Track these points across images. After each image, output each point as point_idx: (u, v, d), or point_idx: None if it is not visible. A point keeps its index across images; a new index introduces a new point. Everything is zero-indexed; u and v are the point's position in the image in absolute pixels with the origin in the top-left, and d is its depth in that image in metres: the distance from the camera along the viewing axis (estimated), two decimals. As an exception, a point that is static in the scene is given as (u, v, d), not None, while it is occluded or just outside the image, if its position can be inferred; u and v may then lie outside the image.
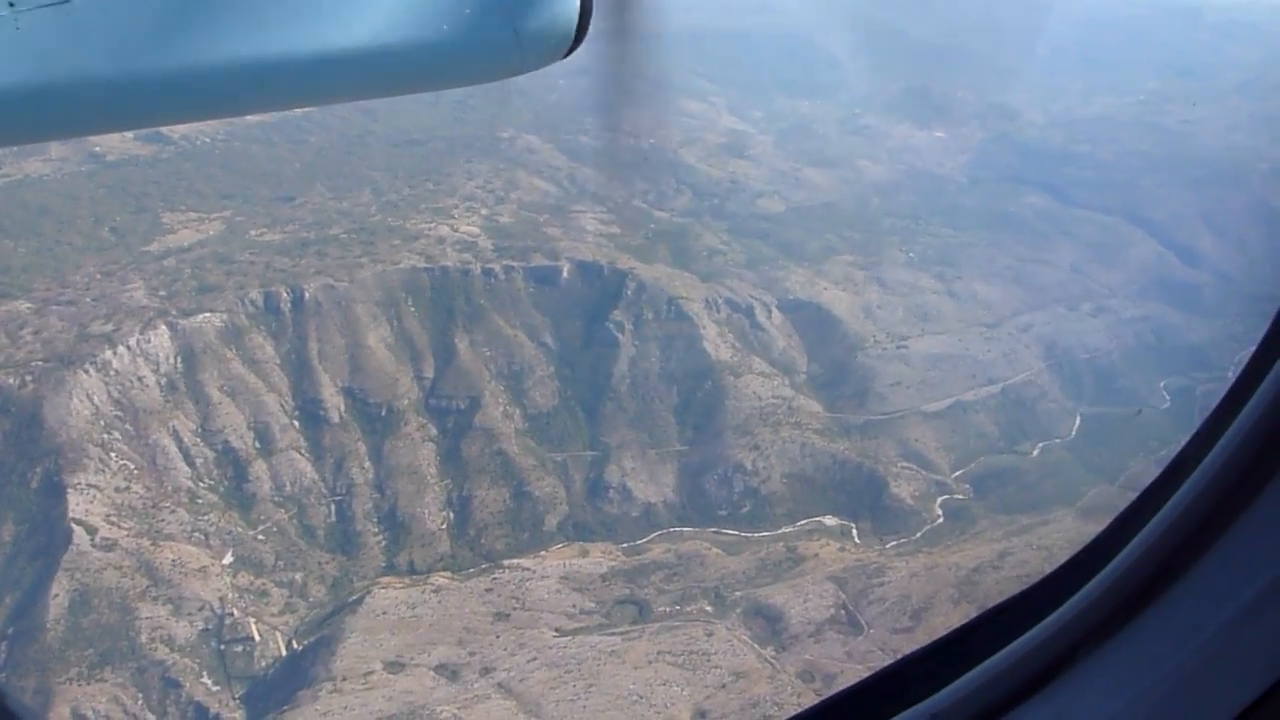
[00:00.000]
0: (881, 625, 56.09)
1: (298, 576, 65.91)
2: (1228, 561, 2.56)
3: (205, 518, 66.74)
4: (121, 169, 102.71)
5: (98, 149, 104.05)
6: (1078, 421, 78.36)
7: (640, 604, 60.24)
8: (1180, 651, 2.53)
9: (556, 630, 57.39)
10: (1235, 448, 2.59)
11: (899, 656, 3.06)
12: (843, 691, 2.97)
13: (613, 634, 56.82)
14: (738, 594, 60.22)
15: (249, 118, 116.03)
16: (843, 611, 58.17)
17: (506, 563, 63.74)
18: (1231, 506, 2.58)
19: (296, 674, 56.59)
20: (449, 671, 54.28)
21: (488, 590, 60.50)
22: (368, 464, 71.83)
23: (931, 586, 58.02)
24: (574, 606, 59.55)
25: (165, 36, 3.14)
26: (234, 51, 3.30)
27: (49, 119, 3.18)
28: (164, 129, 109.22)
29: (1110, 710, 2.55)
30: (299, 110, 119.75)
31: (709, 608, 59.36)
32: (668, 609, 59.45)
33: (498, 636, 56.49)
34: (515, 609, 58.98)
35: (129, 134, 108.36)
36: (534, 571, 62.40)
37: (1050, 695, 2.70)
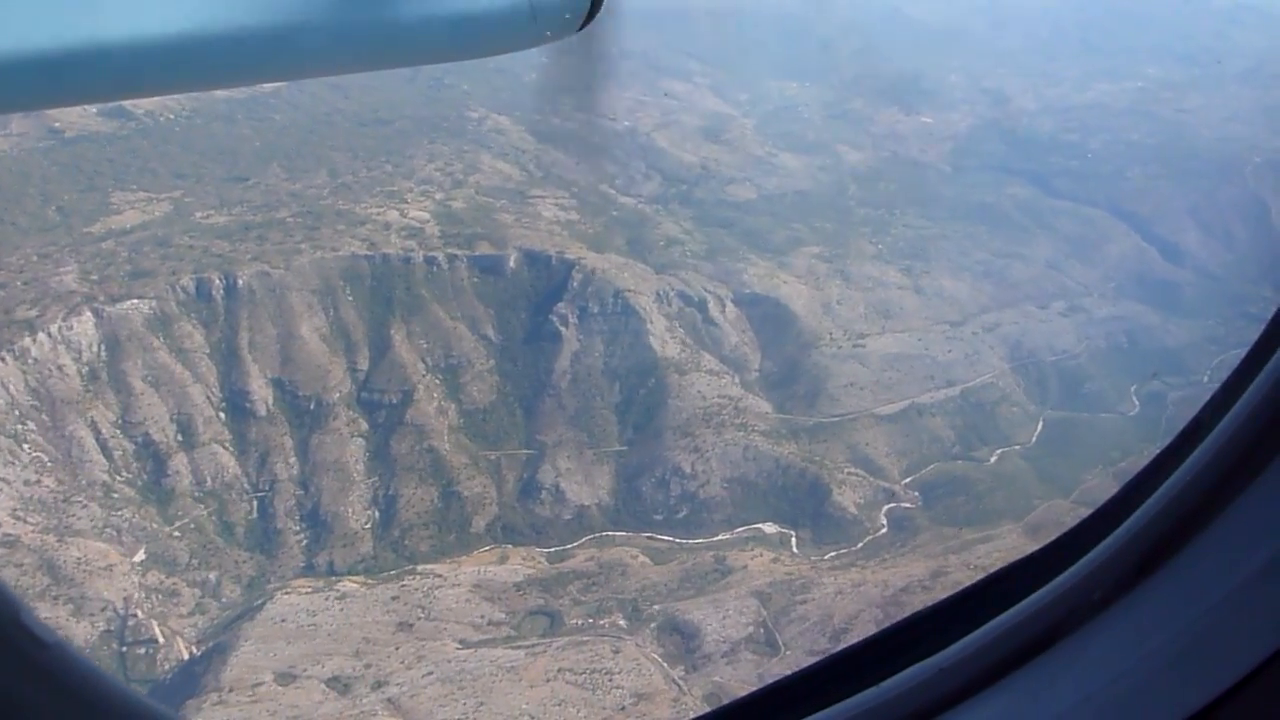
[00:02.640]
0: (798, 647, 53.18)
1: (212, 576, 63.85)
2: (1240, 525, 2.55)
3: (119, 513, 64.72)
4: (79, 145, 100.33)
5: (57, 124, 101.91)
6: (1039, 427, 74.80)
7: (552, 615, 57.72)
8: (1191, 612, 2.52)
9: (460, 642, 54.97)
10: (1250, 412, 2.55)
11: (911, 612, 3.03)
12: (854, 645, 2.94)
13: (518, 647, 54.32)
14: (655, 607, 57.50)
15: (217, 93, 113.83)
16: (761, 630, 55.35)
17: (420, 569, 61.25)
18: (1245, 471, 2.54)
19: (190, 682, 54.53)
20: (341, 684, 52.00)
21: (394, 598, 58.11)
22: (293, 459, 69.55)
23: (855, 606, 55.02)
24: (482, 617, 57.09)
25: (175, 2, 3.08)
26: (246, 20, 3.18)
27: (46, 87, 3.03)
28: (128, 104, 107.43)
29: (1120, 669, 2.55)
30: (268, 86, 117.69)
31: (623, 622, 56.69)
32: (580, 622, 56.87)
33: (397, 648, 54.14)
34: (420, 619, 56.57)
35: (91, 109, 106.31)
36: (446, 579, 59.97)
37: (1059, 653, 2.70)
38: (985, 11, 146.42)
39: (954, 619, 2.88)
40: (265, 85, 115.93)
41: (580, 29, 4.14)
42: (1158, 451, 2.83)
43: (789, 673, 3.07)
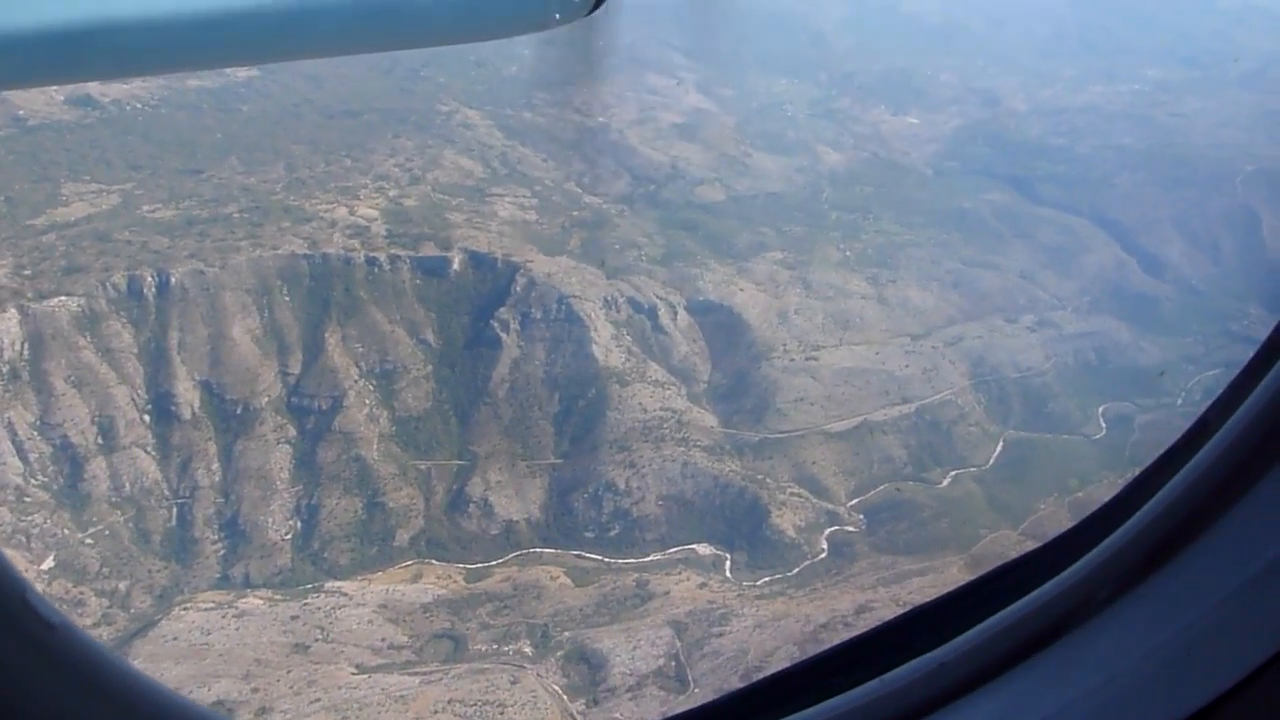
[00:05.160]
0: (708, 685, 50.30)
1: (122, 585, 61.77)
2: (1244, 526, 2.54)
3: (29, 518, 62.72)
4: (40, 134, 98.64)
5: (21, 112, 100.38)
6: (998, 448, 71.34)
7: (457, 639, 55.12)
8: (1192, 612, 2.54)
9: (356, 667, 52.50)
10: (1256, 414, 2.56)
11: (912, 607, 3.00)
12: (853, 639, 2.94)
13: (414, 674, 51.78)
14: (566, 634, 54.80)
15: (188, 82, 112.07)
16: (672, 663, 52.53)
17: (328, 586, 58.89)
18: (1249, 473, 2.56)
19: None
20: (224, 709, 49.60)
21: (294, 618, 55.75)
22: (216, 465, 67.38)
23: (772, 643, 52.06)
24: (383, 640, 54.61)
25: None
26: None
27: (51, 65, 2.98)
28: (96, 93, 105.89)
29: (1120, 666, 2.56)
30: (241, 75, 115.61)
31: (529, 649, 54.03)
32: (484, 648, 54.25)
33: (288, 672, 51.74)
34: (318, 640, 54.19)
35: (57, 97, 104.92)
36: (351, 598, 57.52)
37: (1060, 650, 2.71)
38: (985, 9, 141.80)
39: (955, 614, 2.83)
40: (238, 74, 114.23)
41: (590, 11, 3.93)
42: (1162, 451, 2.77)
43: (790, 664, 2.90)
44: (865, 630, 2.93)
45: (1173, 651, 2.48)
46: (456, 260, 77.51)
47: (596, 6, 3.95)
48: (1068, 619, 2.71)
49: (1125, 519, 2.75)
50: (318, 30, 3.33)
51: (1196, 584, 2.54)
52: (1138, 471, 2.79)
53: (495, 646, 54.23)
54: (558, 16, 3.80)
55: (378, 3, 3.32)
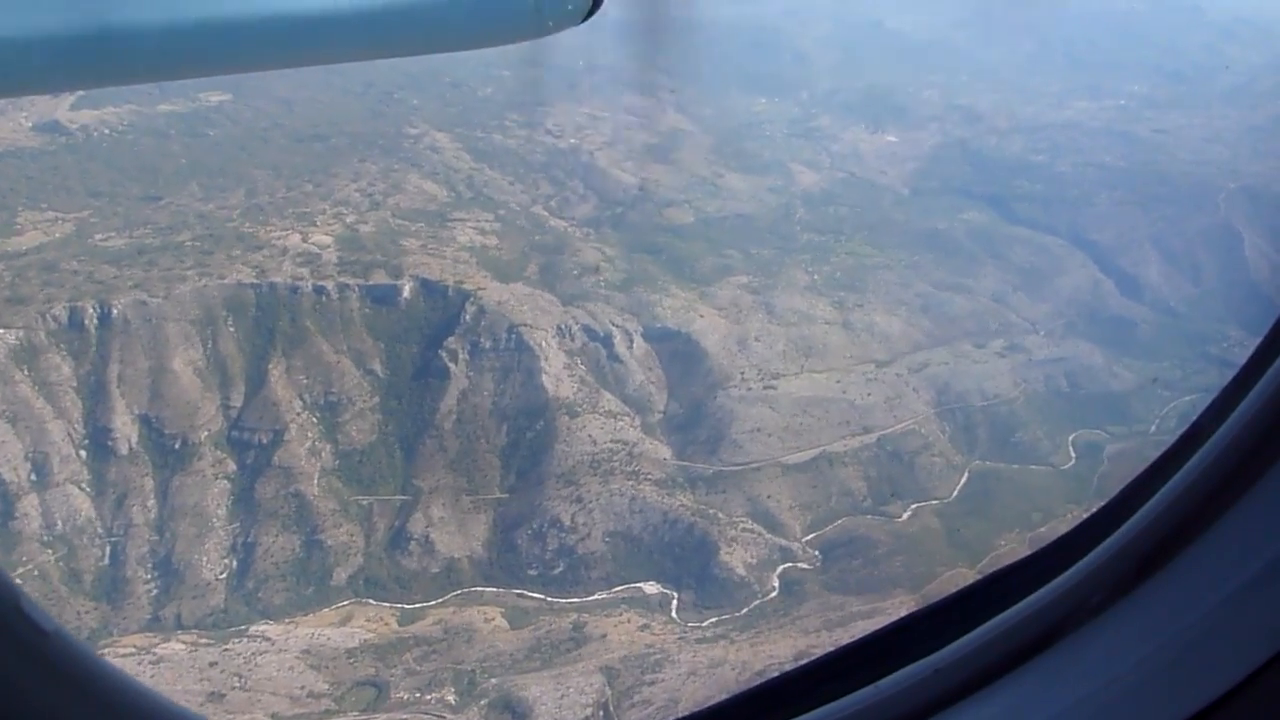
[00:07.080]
0: (633, 737, 47.94)
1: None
2: (1236, 532, 2.55)
3: (-45, 558, 61.05)
4: (3, 161, 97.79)
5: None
6: (963, 480, 68.66)
7: (380, 687, 52.85)
8: (1186, 618, 2.54)
9: (271, 717, 50.32)
10: (1250, 418, 2.56)
11: (905, 613, 2.97)
12: (847, 645, 2.94)
13: (331, 726, 49.64)
14: (493, 681, 52.45)
15: (160, 107, 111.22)
16: (600, 714, 50.10)
17: (253, 630, 56.81)
18: (1242, 478, 2.56)
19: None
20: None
21: (212, 664, 53.62)
22: (151, 502, 65.47)
23: (704, 691, 49.54)
24: (303, 688, 52.36)
25: None
26: (242, 5, 3.11)
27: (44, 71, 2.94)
28: (64, 119, 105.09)
29: (1115, 673, 2.56)
30: (213, 99, 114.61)
31: (452, 697, 51.67)
32: (407, 696, 51.94)
33: (200, 724, 49.52)
34: (235, 689, 52.02)
35: (25, 124, 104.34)
36: (274, 642, 55.35)
37: (1055, 655, 2.71)
38: (970, 25, 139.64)
39: (950, 620, 2.83)
40: (209, 98, 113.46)
41: (585, 19, 3.92)
42: (1156, 455, 2.75)
43: (784, 670, 2.84)
44: (859, 636, 2.86)
45: (1167, 657, 2.45)
46: (407, 288, 75.68)
47: (590, 14, 3.85)
48: (1062, 625, 2.67)
49: (1120, 524, 2.71)
50: (316, 35, 3.22)
51: (1190, 590, 2.51)
52: (1135, 474, 2.72)
53: (418, 695, 51.92)
54: (551, 24, 3.71)
55: (372, 9, 3.20)
